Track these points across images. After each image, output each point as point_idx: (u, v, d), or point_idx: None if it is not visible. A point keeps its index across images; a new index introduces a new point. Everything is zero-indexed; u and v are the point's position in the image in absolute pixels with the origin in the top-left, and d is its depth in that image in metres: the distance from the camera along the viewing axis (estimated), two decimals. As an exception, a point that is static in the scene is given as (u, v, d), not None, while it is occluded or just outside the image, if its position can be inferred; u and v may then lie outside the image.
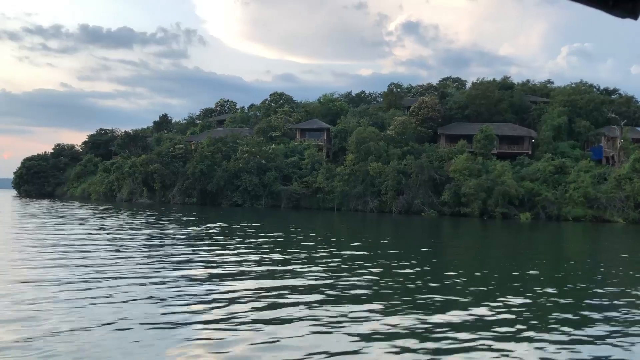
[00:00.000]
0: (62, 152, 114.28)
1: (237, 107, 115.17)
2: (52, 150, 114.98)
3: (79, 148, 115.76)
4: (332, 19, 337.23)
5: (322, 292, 12.68)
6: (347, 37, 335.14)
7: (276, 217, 48.57)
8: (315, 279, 14.33)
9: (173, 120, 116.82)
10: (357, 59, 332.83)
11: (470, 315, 11.50)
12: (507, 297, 13.20)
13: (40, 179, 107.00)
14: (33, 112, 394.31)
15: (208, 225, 36.74)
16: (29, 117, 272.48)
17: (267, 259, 17.63)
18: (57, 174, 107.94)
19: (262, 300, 11.82)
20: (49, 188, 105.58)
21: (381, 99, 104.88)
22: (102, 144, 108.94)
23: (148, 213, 49.60)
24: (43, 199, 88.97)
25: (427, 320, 10.85)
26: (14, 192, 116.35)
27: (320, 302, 11.87)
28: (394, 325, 10.38)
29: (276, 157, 78.70)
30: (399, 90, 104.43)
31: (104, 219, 35.57)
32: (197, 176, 77.78)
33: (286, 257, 18.11)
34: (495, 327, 10.49)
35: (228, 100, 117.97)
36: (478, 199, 65.27)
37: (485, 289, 14.54)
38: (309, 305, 11.55)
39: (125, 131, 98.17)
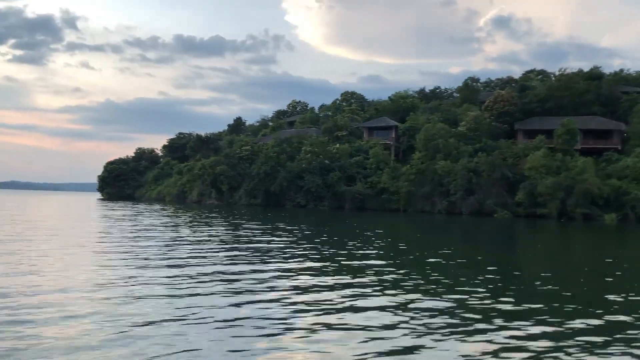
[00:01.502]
0: (143, 156, 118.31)
1: (309, 107, 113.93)
2: (133, 154, 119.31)
3: (158, 152, 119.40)
4: (419, 18, 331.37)
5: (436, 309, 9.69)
6: (434, 35, 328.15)
7: (337, 221, 45.77)
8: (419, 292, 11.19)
9: (247, 123, 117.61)
10: (446, 57, 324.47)
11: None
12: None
13: (121, 181, 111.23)
14: (134, 119, 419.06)
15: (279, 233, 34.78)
16: (130, 125, 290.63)
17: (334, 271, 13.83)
18: (137, 177, 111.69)
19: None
20: (129, 190, 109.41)
21: (458, 95, 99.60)
22: (179, 148, 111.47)
23: (216, 216, 48.35)
24: (123, 201, 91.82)
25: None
26: (99, 195, 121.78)
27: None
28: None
29: (340, 157, 76.32)
30: (476, 84, 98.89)
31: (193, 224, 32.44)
32: (261, 177, 77.04)
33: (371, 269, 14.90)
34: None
35: (300, 101, 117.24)
36: (556, 198, 59.51)
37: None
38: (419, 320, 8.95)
39: (197, 134, 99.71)
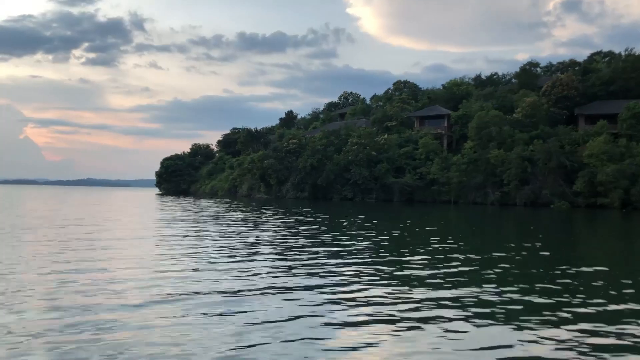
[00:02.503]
0: (198, 152, 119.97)
1: (361, 98, 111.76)
2: (189, 150, 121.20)
3: (213, 147, 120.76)
4: (483, 4, 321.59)
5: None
6: (500, 22, 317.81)
7: (382, 213, 43.69)
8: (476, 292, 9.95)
9: (299, 117, 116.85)
10: (513, 44, 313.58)
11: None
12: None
13: (177, 177, 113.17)
14: (201, 117, 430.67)
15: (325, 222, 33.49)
16: (197, 122, 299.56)
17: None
18: (192, 172, 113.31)
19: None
20: (184, 185, 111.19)
21: (516, 81, 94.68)
22: (232, 143, 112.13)
23: (262, 211, 47.44)
24: (179, 196, 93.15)
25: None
26: (157, 190, 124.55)
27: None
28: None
29: (389, 148, 74.00)
30: (535, 69, 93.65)
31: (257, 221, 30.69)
32: (307, 170, 75.92)
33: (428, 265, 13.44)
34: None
35: (351, 92, 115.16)
36: (618, 187, 55.08)
37: None
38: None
39: (247, 129, 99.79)
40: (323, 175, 74.24)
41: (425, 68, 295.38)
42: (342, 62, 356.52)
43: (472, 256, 15.52)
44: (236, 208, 46.14)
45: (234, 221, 28.81)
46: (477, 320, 7.88)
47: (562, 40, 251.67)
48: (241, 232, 21.84)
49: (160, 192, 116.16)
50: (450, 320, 7.86)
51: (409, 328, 7.43)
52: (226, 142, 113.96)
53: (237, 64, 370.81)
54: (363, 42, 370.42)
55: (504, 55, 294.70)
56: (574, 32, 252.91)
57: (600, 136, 59.99)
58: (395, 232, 23.68)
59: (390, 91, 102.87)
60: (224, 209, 43.52)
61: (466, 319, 7.96)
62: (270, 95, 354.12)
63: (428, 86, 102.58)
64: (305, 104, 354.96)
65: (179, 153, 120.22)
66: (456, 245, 18.82)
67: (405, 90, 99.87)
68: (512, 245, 19.86)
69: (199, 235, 20.27)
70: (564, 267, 13.81)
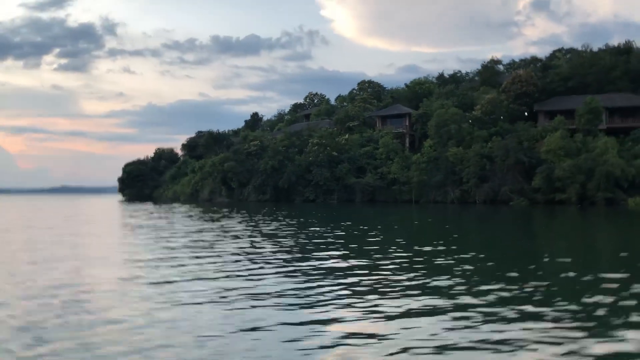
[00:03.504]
0: (162, 156, 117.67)
1: (325, 99, 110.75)
2: (153, 154, 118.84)
3: (178, 151, 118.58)
4: (455, 4, 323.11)
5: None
6: (471, 22, 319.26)
7: (344, 214, 42.72)
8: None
9: (264, 119, 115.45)
10: (484, 43, 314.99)
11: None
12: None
13: (139, 182, 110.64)
14: (176, 121, 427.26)
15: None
16: (173, 126, 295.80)
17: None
18: (156, 177, 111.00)
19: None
20: (147, 191, 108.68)
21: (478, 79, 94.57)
22: (197, 146, 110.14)
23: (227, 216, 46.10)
24: (140, 202, 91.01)
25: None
26: (120, 197, 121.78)
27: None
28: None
29: (350, 148, 73.10)
30: (498, 66, 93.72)
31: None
32: (269, 172, 74.60)
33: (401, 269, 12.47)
34: None
35: (317, 93, 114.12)
36: (575, 182, 54.89)
37: None
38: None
39: (209, 131, 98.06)
40: (284, 177, 73.01)
41: (399, 69, 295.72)
42: (317, 64, 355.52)
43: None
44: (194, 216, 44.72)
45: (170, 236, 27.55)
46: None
47: (533, 39, 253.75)
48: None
49: (123, 198, 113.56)
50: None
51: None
52: (191, 146, 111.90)
53: (211, 68, 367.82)
54: (337, 44, 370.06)
55: (475, 55, 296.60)
56: (543, 31, 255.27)
57: (557, 132, 59.83)
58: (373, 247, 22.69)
59: (354, 91, 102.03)
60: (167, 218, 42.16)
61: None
62: (247, 98, 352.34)
63: (401, 87, 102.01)
64: (281, 106, 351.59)
65: (142, 158, 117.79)
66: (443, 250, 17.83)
67: (369, 90, 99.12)
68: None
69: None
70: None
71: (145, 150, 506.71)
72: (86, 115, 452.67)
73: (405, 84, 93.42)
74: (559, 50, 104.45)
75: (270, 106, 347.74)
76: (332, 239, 21.70)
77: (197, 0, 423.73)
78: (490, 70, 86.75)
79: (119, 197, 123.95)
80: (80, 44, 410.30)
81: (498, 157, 60.96)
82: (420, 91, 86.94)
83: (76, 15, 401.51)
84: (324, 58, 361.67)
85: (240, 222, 32.25)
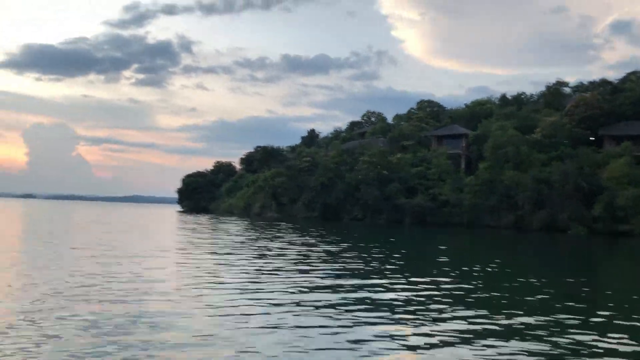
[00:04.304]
0: (221, 169, 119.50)
1: (382, 117, 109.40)
2: (212, 168, 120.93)
3: (236, 165, 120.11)
4: (529, 26, 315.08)
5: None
6: (546, 44, 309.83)
7: (398, 236, 41.45)
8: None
9: (321, 135, 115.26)
10: (559, 66, 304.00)
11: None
12: None
13: (197, 194, 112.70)
14: (245, 137, 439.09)
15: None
16: (241, 142, 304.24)
17: None
18: (213, 190, 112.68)
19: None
20: (204, 203, 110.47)
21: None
22: (254, 161, 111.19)
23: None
24: (197, 213, 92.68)
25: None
26: (179, 208, 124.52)
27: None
28: None
29: (402, 168, 71.38)
30: (563, 88, 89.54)
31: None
32: (318, 189, 73.89)
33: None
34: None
35: (374, 111, 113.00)
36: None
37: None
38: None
39: (264, 147, 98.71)
40: (333, 195, 72.08)
41: (469, 90, 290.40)
42: (385, 84, 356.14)
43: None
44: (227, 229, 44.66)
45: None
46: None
47: (611, 62, 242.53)
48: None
49: (182, 210, 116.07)
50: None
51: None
52: (248, 160, 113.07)
53: (280, 85, 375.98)
54: (407, 64, 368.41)
55: (550, 78, 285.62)
56: (623, 54, 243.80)
57: (622, 158, 56.02)
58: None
59: (412, 110, 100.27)
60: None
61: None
62: (313, 115, 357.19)
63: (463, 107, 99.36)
64: (346, 125, 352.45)
65: (202, 170, 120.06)
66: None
67: (427, 110, 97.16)
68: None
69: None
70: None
71: (213, 164, 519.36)
72: (159, 128, 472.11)
73: (465, 104, 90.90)
74: (633, 73, 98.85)
75: (335, 124, 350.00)
76: (400, 263, 20.57)
77: (269, 20, 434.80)
78: (554, 93, 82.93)
79: (178, 207, 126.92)
80: (157, 61, 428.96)
81: (557, 182, 57.69)
82: (480, 112, 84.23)
83: (155, 33, 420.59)
84: (392, 78, 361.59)
85: (305, 243, 31.60)
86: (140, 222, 51.86)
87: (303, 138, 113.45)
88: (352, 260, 19.91)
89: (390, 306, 11.08)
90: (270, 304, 10.60)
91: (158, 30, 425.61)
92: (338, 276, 15.33)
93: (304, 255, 21.54)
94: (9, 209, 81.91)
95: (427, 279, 15.32)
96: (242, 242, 27.52)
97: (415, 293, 12.76)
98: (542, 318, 10.15)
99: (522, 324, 9.66)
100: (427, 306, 11.06)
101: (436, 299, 12.07)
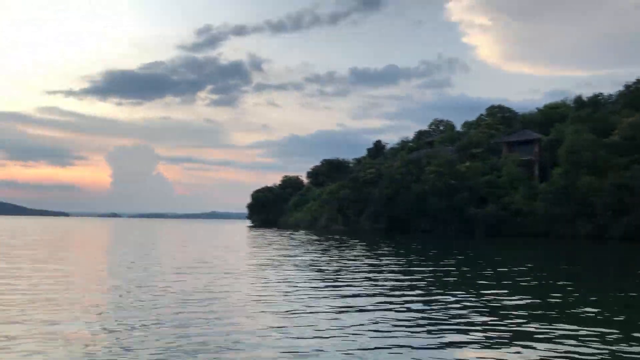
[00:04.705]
0: (288, 184, 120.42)
1: (449, 125, 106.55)
2: (279, 182, 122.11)
3: (303, 179, 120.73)
4: (608, 24, 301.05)
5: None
6: (629, 41, 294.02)
7: (475, 250, 39.92)
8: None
9: (388, 147, 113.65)
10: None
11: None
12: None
13: (266, 209, 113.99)
14: (316, 151, 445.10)
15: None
16: (312, 156, 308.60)
17: None
18: (281, 204, 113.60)
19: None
20: (272, 217, 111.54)
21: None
22: (320, 174, 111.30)
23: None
24: (266, 228, 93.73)
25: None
26: (249, 222, 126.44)
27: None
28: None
29: (471, 177, 68.88)
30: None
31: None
32: (384, 201, 72.57)
33: None
34: None
35: (442, 120, 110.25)
36: None
37: None
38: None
39: (328, 160, 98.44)
40: (400, 206, 70.55)
41: (546, 94, 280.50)
42: (457, 91, 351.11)
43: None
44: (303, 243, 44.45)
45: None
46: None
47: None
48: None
49: (252, 224, 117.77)
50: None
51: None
52: (314, 174, 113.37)
53: (349, 98, 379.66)
54: (479, 71, 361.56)
55: (633, 78, 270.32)
56: None
57: None
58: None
59: (482, 116, 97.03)
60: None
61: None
62: (383, 127, 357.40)
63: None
64: (413, 135, 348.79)
65: (270, 185, 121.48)
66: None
67: (498, 115, 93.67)
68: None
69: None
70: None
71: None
72: (234, 146, 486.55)
73: (537, 108, 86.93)
74: None
75: (406, 135, 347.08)
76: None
77: (336, 34, 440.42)
78: (634, 92, 77.69)
79: (248, 222, 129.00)
80: (230, 80, 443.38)
81: (638, 188, 53.66)
82: (553, 115, 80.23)
83: (226, 54, 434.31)
84: (464, 85, 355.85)
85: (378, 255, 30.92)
86: (221, 238, 53.57)
87: (369, 150, 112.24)
88: (441, 277, 18.84)
89: (486, 325, 10.30)
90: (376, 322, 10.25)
91: (230, 51, 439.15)
92: (437, 293, 14.52)
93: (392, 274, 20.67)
94: (103, 228, 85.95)
95: (517, 295, 14.22)
96: (319, 258, 27.09)
97: (511, 312, 11.80)
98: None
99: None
100: (523, 326, 10.16)
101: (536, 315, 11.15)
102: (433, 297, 13.83)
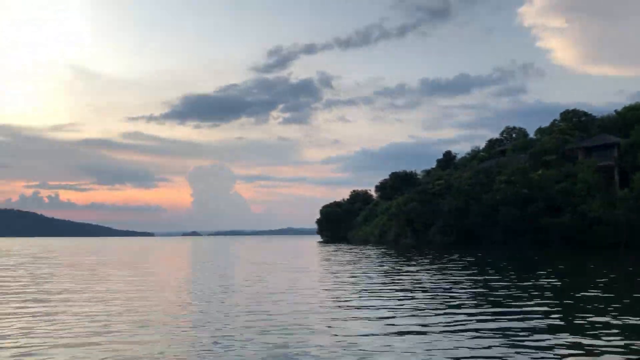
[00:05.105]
0: (357, 198, 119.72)
1: (521, 131, 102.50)
2: (348, 197, 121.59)
3: (372, 193, 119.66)
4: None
5: None
6: None
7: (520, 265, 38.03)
8: None
9: (458, 157, 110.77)
10: None
11: None
12: None
13: (335, 224, 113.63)
14: (387, 164, 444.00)
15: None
16: (384, 169, 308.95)
17: None
18: (350, 218, 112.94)
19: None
20: (341, 232, 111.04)
21: None
22: (388, 187, 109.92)
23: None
24: (336, 243, 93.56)
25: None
26: (319, 238, 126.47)
27: None
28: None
29: (544, 185, 65.65)
30: None
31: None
32: (453, 213, 70.47)
33: None
34: None
35: (515, 127, 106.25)
36: None
37: None
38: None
39: (395, 173, 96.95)
40: (470, 218, 68.23)
41: (632, 95, 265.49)
42: (533, 97, 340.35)
43: None
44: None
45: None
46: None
47: None
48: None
49: (322, 240, 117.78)
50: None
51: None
52: (382, 187, 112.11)
53: (421, 110, 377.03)
54: (556, 75, 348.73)
55: None
56: None
57: None
58: None
59: (556, 122, 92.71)
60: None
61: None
62: (457, 137, 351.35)
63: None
64: (484, 144, 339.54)
65: (339, 200, 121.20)
66: None
67: (573, 120, 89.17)
68: None
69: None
70: None
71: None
72: (306, 162, 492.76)
73: (615, 111, 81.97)
74: None
75: (481, 144, 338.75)
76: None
77: (405, 46, 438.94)
78: None
79: (319, 238, 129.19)
80: (300, 98, 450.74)
81: None
82: (633, 117, 75.33)
83: (297, 72, 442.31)
84: (541, 90, 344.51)
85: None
86: (297, 254, 55.17)
87: (439, 161, 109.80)
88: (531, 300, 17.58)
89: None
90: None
91: (300, 70, 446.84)
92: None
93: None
94: (193, 247, 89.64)
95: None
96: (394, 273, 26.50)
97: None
98: None
99: None
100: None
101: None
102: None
